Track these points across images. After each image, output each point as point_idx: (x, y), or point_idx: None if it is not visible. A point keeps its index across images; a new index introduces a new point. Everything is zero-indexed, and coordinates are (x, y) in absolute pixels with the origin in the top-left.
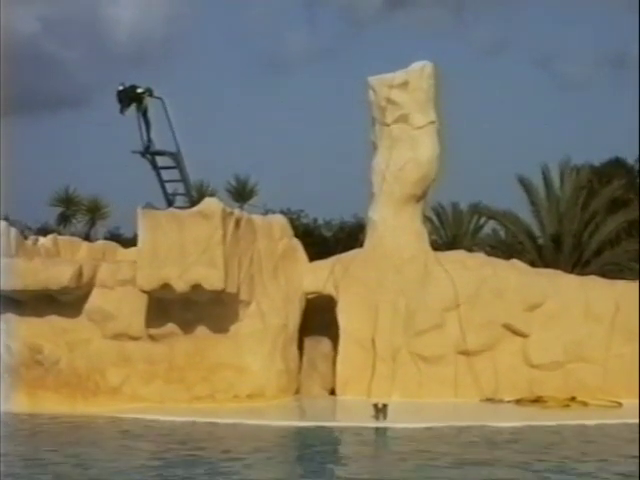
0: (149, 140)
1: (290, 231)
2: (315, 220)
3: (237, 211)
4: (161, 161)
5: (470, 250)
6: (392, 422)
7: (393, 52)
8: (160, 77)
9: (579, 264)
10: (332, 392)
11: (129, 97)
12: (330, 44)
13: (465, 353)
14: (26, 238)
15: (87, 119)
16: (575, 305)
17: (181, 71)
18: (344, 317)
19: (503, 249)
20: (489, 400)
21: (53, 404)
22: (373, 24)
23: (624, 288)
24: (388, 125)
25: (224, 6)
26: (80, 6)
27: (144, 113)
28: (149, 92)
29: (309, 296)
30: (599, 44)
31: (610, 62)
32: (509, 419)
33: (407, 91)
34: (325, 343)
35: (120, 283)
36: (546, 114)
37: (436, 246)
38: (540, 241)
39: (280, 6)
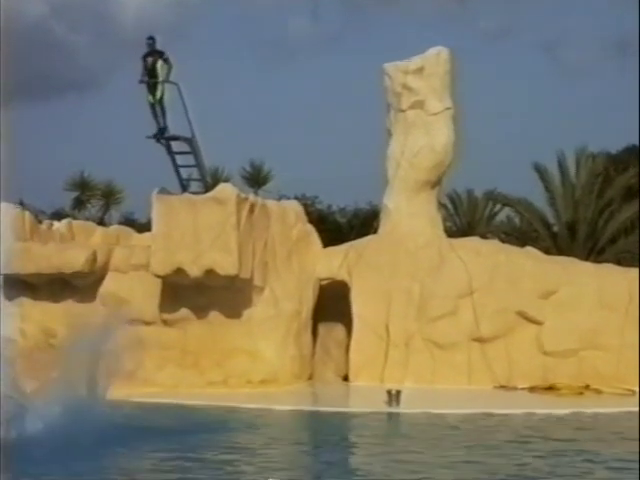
0: (164, 125)
1: (304, 217)
2: (329, 206)
3: (251, 197)
4: (176, 146)
5: (484, 237)
6: (405, 408)
7: (399, 38)
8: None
9: (594, 252)
10: (345, 378)
11: (156, 52)
12: (337, 31)
13: (479, 340)
14: (40, 222)
15: (96, 103)
16: (589, 293)
17: (191, 56)
18: (357, 303)
19: (517, 236)
20: (502, 387)
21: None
22: (378, 11)
23: (638, 276)
24: (403, 111)
25: None
26: None
27: (160, 98)
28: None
29: (323, 282)
30: (605, 29)
31: (620, 48)
32: (522, 406)
33: (423, 77)
34: (338, 329)
35: (134, 268)
36: (562, 101)
37: (450, 233)
38: (555, 228)
39: None
